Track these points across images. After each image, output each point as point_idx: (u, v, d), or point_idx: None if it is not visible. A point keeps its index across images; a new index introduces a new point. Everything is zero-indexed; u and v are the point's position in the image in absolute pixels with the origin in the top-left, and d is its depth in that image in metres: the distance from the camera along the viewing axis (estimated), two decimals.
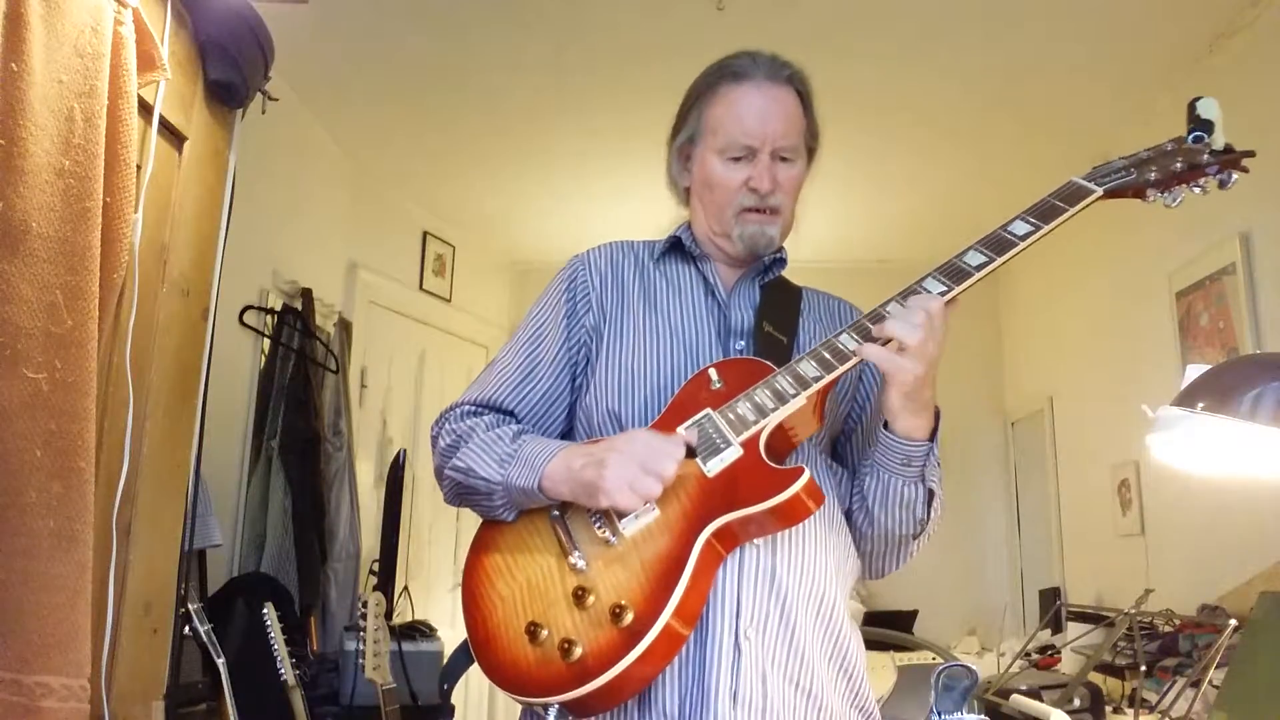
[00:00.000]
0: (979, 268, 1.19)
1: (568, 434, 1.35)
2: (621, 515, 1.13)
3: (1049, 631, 3.22)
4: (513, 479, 1.18)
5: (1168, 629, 2.55)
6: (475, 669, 1.18)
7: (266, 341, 3.28)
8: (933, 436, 1.21)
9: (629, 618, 1.06)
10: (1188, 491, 2.73)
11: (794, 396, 1.15)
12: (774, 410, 1.15)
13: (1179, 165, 1.23)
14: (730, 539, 1.13)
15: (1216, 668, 2.03)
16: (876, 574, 1.36)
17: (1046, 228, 1.19)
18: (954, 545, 4.65)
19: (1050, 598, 3.94)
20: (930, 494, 1.25)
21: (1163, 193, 1.24)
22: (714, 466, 1.13)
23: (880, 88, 3.27)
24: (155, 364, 1.63)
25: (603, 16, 2.93)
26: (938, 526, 1.31)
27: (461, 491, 1.26)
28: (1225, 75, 2.87)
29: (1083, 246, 3.93)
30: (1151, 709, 2.25)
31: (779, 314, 1.36)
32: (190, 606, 2.06)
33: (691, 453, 1.14)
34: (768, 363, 1.22)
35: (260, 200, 2.95)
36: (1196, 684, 2.08)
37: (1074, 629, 3.03)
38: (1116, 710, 2.45)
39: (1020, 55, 3.07)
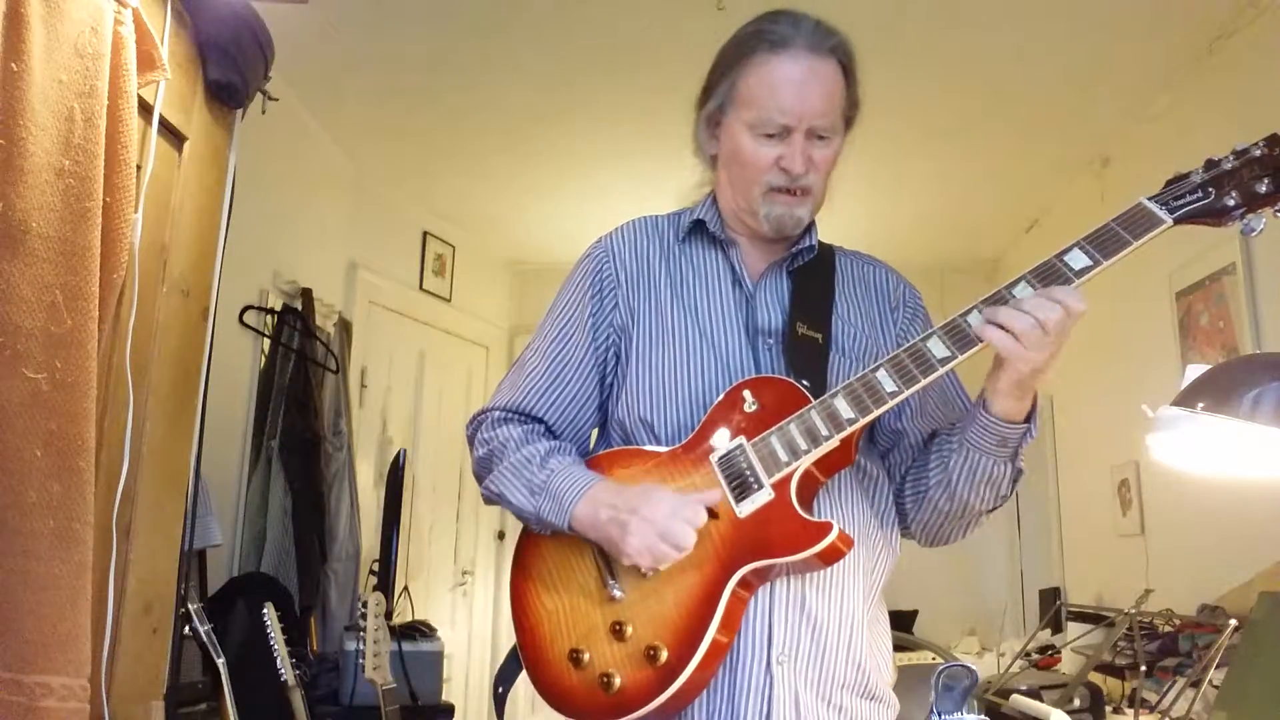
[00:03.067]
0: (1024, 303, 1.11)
1: (601, 428, 1.35)
2: None
3: (1049, 631, 3.22)
4: (544, 514, 1.20)
5: (1168, 629, 2.55)
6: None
7: (266, 341, 3.28)
8: (1030, 417, 1.17)
9: (663, 657, 1.11)
10: (1188, 491, 2.73)
11: (827, 439, 1.14)
12: (806, 453, 1.14)
13: (1264, 186, 1.08)
14: (758, 578, 1.16)
15: (1216, 668, 2.03)
16: (939, 543, 1.35)
17: (1106, 264, 1.11)
18: (954, 545, 4.64)
19: (1050, 598, 3.94)
20: (1019, 472, 1.23)
21: (1243, 218, 1.09)
22: (746, 509, 1.15)
23: (881, 88, 3.25)
24: (155, 364, 1.63)
25: (603, 16, 2.93)
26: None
27: (501, 506, 1.29)
28: (1225, 75, 2.87)
29: None
30: (1151, 709, 2.25)
31: (812, 306, 1.30)
32: (190, 606, 2.06)
33: (713, 513, 1.15)
34: (804, 389, 1.19)
35: (260, 200, 2.95)
36: (1196, 684, 2.08)
37: (1074, 629, 3.03)
38: (1116, 710, 2.45)
39: (1020, 56, 3.07)
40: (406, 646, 2.97)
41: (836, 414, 1.14)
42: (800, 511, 1.14)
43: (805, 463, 1.15)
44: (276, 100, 2.03)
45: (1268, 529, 2.46)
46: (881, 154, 3.78)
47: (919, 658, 3.26)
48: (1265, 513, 2.40)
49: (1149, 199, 1.12)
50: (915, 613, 4.28)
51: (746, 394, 1.20)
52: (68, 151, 1.31)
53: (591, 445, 1.37)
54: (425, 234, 4.56)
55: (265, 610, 2.34)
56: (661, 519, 1.11)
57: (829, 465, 1.19)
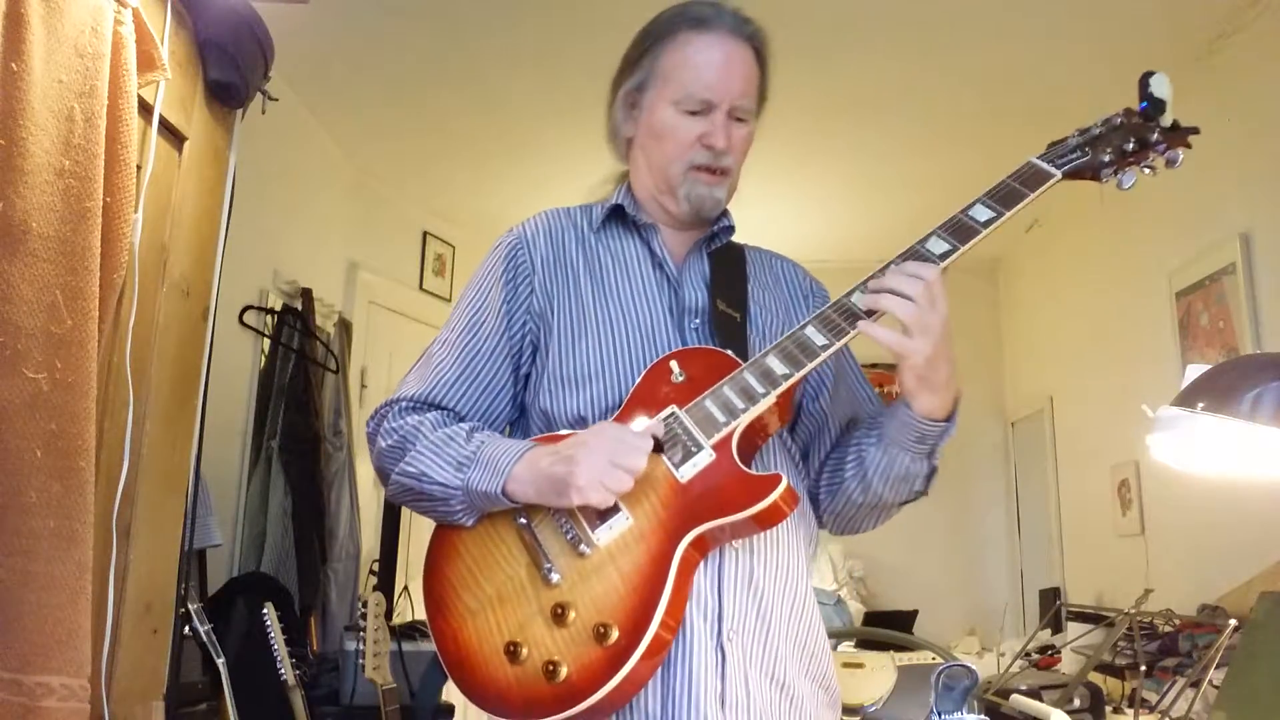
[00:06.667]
0: (942, 256, 1.16)
1: (515, 424, 1.31)
2: (594, 522, 1.11)
3: (1049, 631, 3.22)
4: (474, 483, 1.13)
5: (1168, 629, 2.55)
6: None
7: (266, 341, 3.28)
8: (951, 416, 1.18)
9: (614, 636, 1.04)
10: (1188, 491, 2.73)
11: (764, 396, 1.12)
12: (744, 410, 1.12)
13: (1130, 144, 1.22)
14: (706, 544, 1.12)
15: (1216, 668, 2.03)
16: (849, 533, 1.35)
17: (1008, 213, 1.18)
18: (954, 545, 4.65)
19: (1050, 598, 3.94)
20: (934, 469, 1.23)
21: (1116, 174, 1.23)
22: (687, 472, 1.11)
23: (880, 87, 3.27)
24: (155, 364, 1.63)
25: (603, 16, 2.93)
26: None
27: (413, 497, 1.20)
28: (1225, 75, 2.87)
29: (1083, 246, 3.93)
30: (1151, 709, 2.25)
31: (729, 286, 1.30)
32: (190, 606, 2.06)
33: (659, 446, 1.12)
34: (731, 354, 1.18)
35: (260, 200, 2.95)
36: (1196, 684, 2.08)
37: (1074, 629, 3.03)
38: (1116, 710, 2.45)
39: (1021, 55, 3.07)
40: (406, 646, 2.97)
41: (770, 371, 1.13)
42: (744, 468, 1.11)
43: (744, 420, 1.12)
44: (276, 100, 2.03)
45: (1268, 529, 2.46)
46: (882, 153, 3.78)
47: (919, 658, 3.25)
48: (1265, 513, 2.40)
49: (1036, 158, 1.23)
50: (915, 613, 4.27)
51: (673, 364, 1.18)
52: (68, 151, 1.31)
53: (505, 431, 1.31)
54: (425, 234, 4.56)
55: (265, 610, 2.34)
56: (608, 444, 1.07)
57: (766, 426, 1.18)
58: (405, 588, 3.85)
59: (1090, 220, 3.77)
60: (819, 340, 1.13)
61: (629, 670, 1.03)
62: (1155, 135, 1.22)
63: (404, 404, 1.26)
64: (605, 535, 1.10)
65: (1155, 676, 2.40)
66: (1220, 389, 1.63)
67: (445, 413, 1.25)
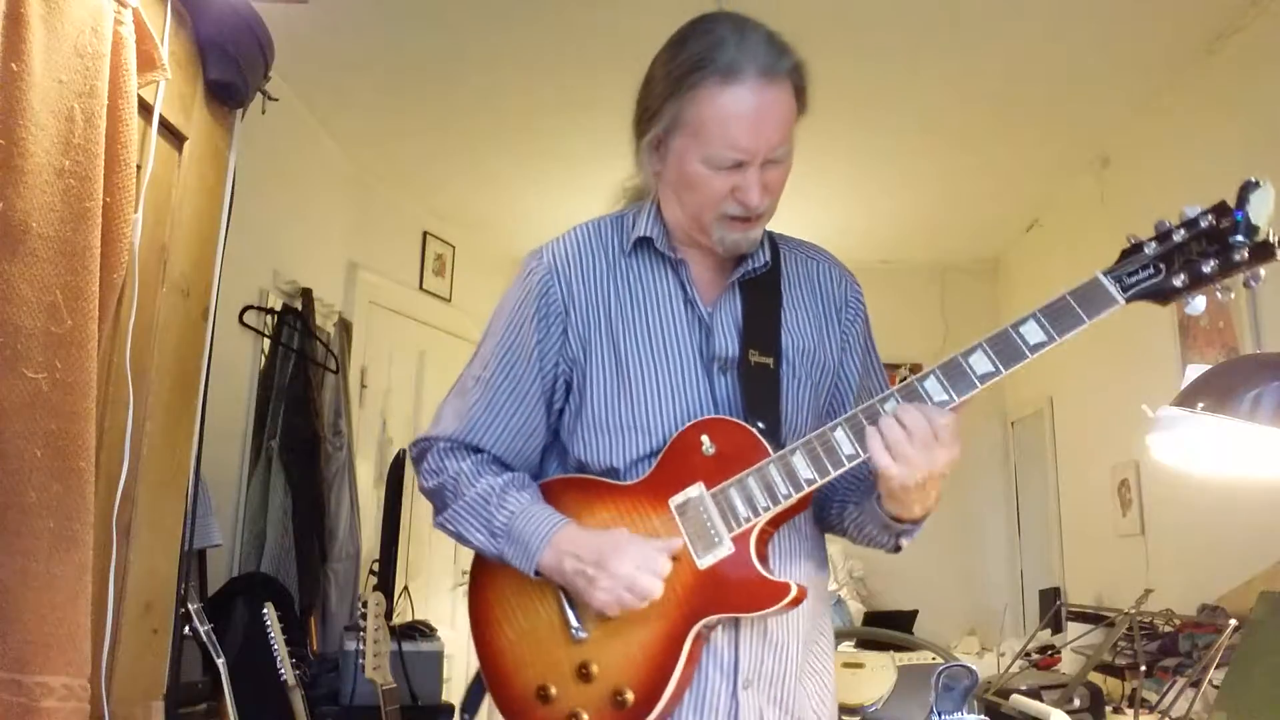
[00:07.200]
0: (984, 378, 1.13)
1: (549, 449, 1.34)
2: None
3: (1049, 631, 3.22)
4: (508, 558, 1.21)
5: (1168, 629, 2.55)
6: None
7: (266, 341, 3.28)
8: (918, 521, 1.22)
9: (629, 700, 1.15)
10: (1188, 491, 2.73)
11: (786, 498, 1.15)
12: (766, 510, 1.16)
13: (1209, 266, 1.06)
14: (718, 623, 1.19)
15: (1216, 668, 2.03)
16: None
17: (1059, 340, 1.12)
18: (954, 545, 4.64)
19: (1050, 598, 3.94)
20: (899, 548, 1.29)
21: (1187, 301, 1.08)
22: (706, 561, 1.17)
23: (881, 87, 3.27)
24: (155, 364, 1.63)
25: (603, 16, 2.93)
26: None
27: (458, 540, 1.29)
28: (1225, 75, 2.87)
29: (1082, 246, 3.93)
30: (1151, 709, 2.25)
31: (761, 326, 1.29)
32: (190, 606, 2.06)
33: (674, 558, 1.17)
34: (761, 440, 1.18)
35: (260, 200, 2.95)
36: (1196, 684, 2.08)
37: (1074, 629, 3.03)
38: (1116, 710, 2.44)
39: (1020, 55, 3.07)
40: (406, 646, 2.97)
41: (795, 473, 1.15)
42: (760, 569, 1.16)
43: (764, 519, 1.17)
44: (276, 100, 2.03)
45: (1268, 529, 2.46)
46: (883, 153, 3.78)
47: (919, 658, 3.25)
48: (1265, 513, 2.40)
49: (1104, 273, 1.11)
50: (915, 613, 4.27)
51: (704, 438, 1.20)
52: (68, 151, 1.30)
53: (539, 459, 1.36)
54: (425, 234, 4.56)
55: (265, 610, 2.34)
56: (627, 573, 1.13)
57: (784, 515, 1.20)
58: (405, 588, 3.86)
59: (1090, 220, 3.77)
60: (846, 449, 1.13)
61: None
62: (1243, 255, 1.04)
63: (444, 444, 1.31)
64: None
65: (1155, 676, 2.40)
66: (1220, 389, 1.63)
67: (483, 456, 1.30)
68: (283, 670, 2.31)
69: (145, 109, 1.55)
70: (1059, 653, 3.03)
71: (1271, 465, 1.74)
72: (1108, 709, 2.39)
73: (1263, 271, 1.06)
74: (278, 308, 3.35)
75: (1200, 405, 1.63)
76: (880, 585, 4.66)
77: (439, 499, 1.30)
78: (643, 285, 1.29)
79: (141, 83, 1.49)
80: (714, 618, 1.16)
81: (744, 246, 1.26)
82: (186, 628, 2.05)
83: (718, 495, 1.17)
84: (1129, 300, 1.10)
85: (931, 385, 1.12)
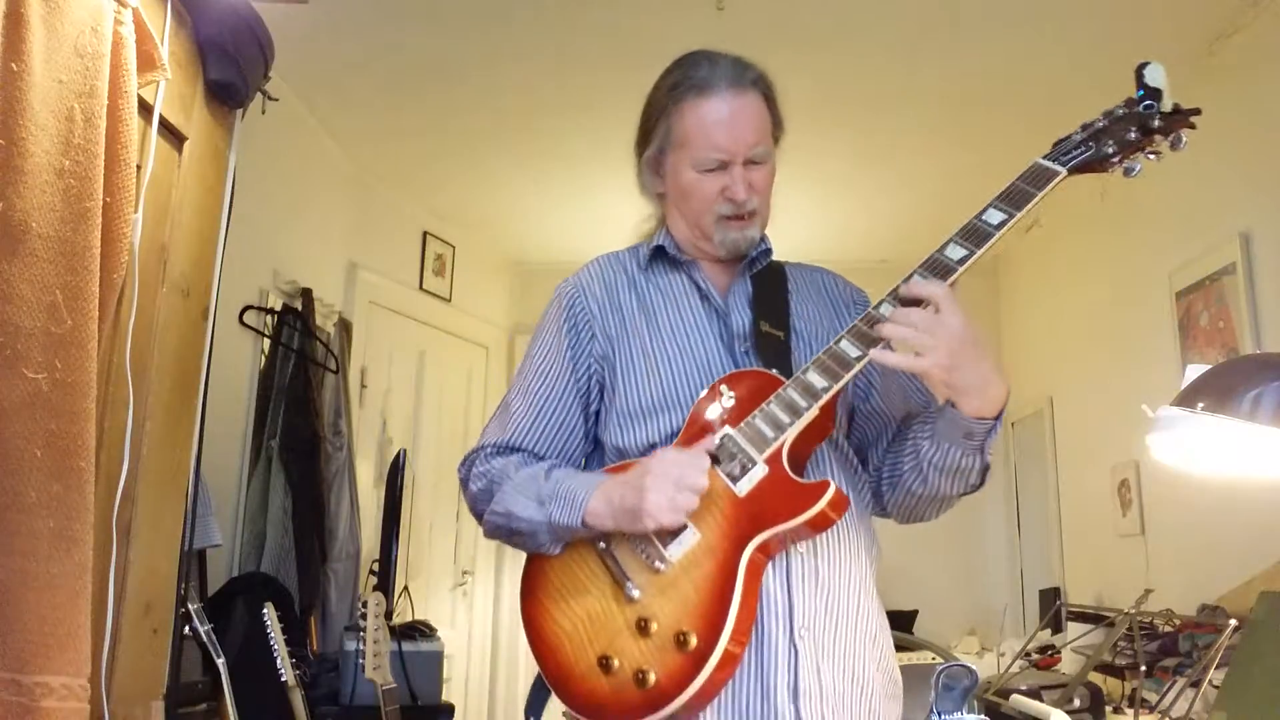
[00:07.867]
0: (960, 261, 1.21)
1: (591, 456, 1.41)
2: (665, 540, 1.21)
3: (1049, 631, 3.22)
4: (555, 517, 1.24)
5: (1168, 629, 2.55)
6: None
7: (266, 341, 3.28)
8: (999, 414, 1.24)
9: (693, 642, 1.15)
10: (1188, 491, 2.73)
11: (806, 409, 1.21)
12: (790, 425, 1.21)
13: (1133, 133, 1.25)
14: (770, 548, 1.21)
15: (1216, 668, 2.03)
16: (912, 522, 1.42)
17: (1019, 213, 1.22)
18: (954, 545, 4.65)
19: (1050, 598, 3.94)
20: (987, 465, 1.30)
21: (1122, 163, 1.26)
22: (744, 486, 1.21)
23: (880, 86, 3.27)
24: (155, 364, 1.63)
25: (603, 16, 2.93)
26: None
27: (505, 534, 1.32)
28: (1225, 75, 2.87)
29: (1082, 246, 3.94)
30: (1151, 709, 2.25)
31: (771, 306, 1.40)
32: (190, 606, 2.06)
33: (715, 459, 1.22)
34: (775, 373, 1.28)
35: (260, 200, 2.95)
36: (1196, 684, 2.08)
37: (1074, 629, 3.03)
38: (1116, 710, 2.45)
39: (1020, 55, 3.07)
40: (406, 646, 2.97)
41: (811, 386, 1.21)
42: (795, 478, 1.21)
43: (790, 434, 1.21)
44: (276, 100, 2.03)
45: (1268, 529, 2.46)
46: (880, 152, 3.78)
47: (919, 658, 3.26)
48: (1265, 513, 2.40)
49: (1042, 158, 1.26)
50: (915, 613, 4.28)
51: (723, 388, 1.28)
52: (68, 151, 1.31)
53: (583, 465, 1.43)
54: (425, 234, 4.56)
55: (265, 610, 2.34)
56: (671, 468, 1.17)
57: (813, 435, 1.26)
58: (405, 588, 3.86)
59: (1090, 220, 3.77)
60: (853, 353, 1.21)
61: (709, 671, 1.13)
62: (1157, 120, 1.25)
63: (489, 450, 1.39)
64: (677, 551, 1.21)
65: (1155, 676, 2.40)
66: (1220, 389, 1.63)
67: (526, 454, 1.37)
68: (283, 670, 2.31)
69: (145, 109, 1.55)
70: (1059, 653, 3.03)
71: (1271, 465, 1.74)
72: (1108, 709, 2.39)
73: (1184, 136, 1.24)
74: (278, 308, 3.35)
75: (1200, 405, 1.63)
76: (880, 585, 4.64)
77: (487, 494, 1.34)
78: (661, 290, 1.43)
79: (141, 83, 1.50)
80: (761, 536, 1.18)
81: (743, 246, 1.40)
82: (186, 628, 2.06)
83: (744, 428, 1.23)
84: (1070, 171, 1.24)
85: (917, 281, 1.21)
